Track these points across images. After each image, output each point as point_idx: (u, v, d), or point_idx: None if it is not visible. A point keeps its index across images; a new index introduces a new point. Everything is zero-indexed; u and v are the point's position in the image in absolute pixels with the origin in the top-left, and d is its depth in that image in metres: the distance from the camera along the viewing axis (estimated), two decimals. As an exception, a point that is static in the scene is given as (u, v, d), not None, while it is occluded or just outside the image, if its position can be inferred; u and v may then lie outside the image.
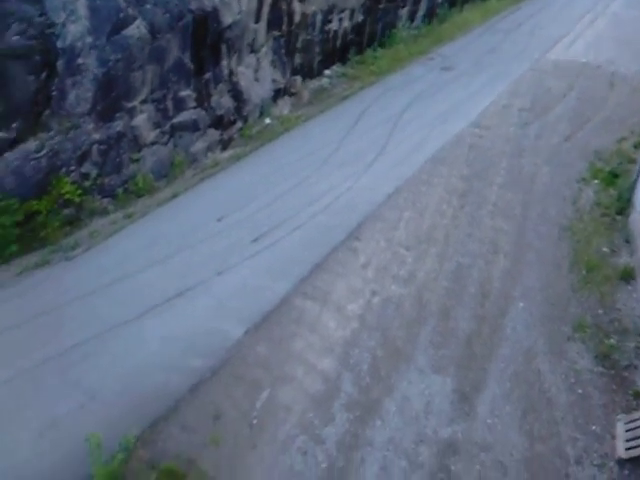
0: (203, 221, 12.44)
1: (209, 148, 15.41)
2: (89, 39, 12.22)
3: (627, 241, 12.09)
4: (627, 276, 11.04)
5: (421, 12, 27.92)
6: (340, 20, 21.32)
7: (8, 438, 7.77)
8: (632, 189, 13.35)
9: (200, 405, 8.47)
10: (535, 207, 13.29)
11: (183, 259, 11.26)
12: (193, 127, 14.93)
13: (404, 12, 26.22)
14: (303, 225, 12.33)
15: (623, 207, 13.17)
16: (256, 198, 13.25)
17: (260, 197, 13.30)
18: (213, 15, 14.82)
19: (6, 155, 11.51)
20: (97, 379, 8.67)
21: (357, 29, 22.59)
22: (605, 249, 11.88)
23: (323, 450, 7.82)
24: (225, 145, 15.88)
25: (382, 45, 24.02)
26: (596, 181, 14.48)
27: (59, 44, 11.75)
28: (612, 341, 9.60)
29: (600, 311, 10.27)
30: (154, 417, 8.18)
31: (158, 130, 14.08)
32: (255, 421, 8.23)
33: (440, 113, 17.93)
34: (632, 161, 15.05)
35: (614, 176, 14.62)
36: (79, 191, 12.30)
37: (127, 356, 9.09)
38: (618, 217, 12.96)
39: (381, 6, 23.82)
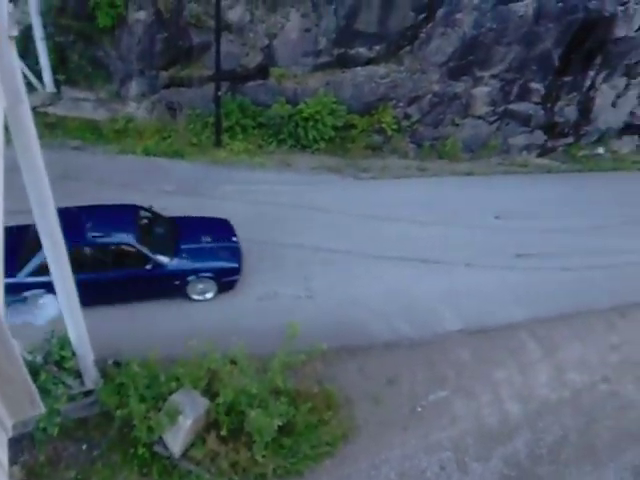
0: (479, 212, 12.04)
1: (527, 147, 14.76)
2: (476, 0, 12.40)
3: None
4: None
5: None
6: None
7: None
8: None
9: (386, 362, 8.73)
10: None
11: (460, 234, 11.19)
12: (524, 121, 14.39)
13: None
14: (575, 269, 11.08)
15: None
16: (555, 217, 12.12)
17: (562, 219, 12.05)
18: (607, 22, 13.65)
19: (357, 69, 12.75)
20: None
21: None
22: None
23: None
24: (544, 152, 14.98)
25: None
26: None
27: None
28: None
29: None
30: (341, 345, 8.68)
31: (491, 108, 13.94)
32: (419, 409, 8.21)
33: None
34: None
35: None
36: (395, 126, 13.11)
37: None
38: None
39: None
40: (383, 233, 10.73)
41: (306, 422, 7.54)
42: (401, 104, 13.10)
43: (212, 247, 9.48)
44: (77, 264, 6.68)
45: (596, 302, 10.47)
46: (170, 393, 7.35)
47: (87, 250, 8.72)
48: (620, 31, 14.07)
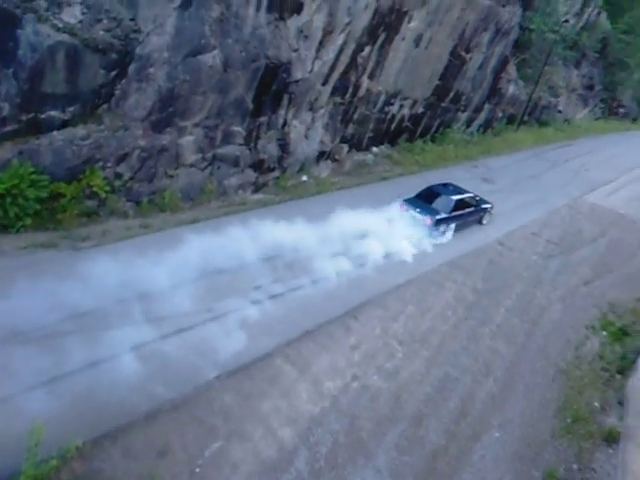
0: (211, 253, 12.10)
1: (242, 186, 15.66)
2: (166, 54, 12.75)
3: (620, 403, 11.78)
4: (611, 439, 10.67)
5: (479, 121, 28.79)
6: (401, 106, 22.03)
7: None
8: (638, 352, 13.16)
9: (150, 435, 8.18)
10: (537, 341, 13.11)
11: (182, 289, 10.71)
12: (234, 162, 15.25)
13: (463, 116, 27.06)
14: (306, 288, 12.27)
15: (625, 367, 12.91)
16: (266, 248, 12.82)
17: (271, 249, 12.89)
18: (285, 67, 15.43)
19: (54, 133, 11.82)
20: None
21: (414, 119, 23.30)
22: (596, 404, 11.56)
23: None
24: (258, 188, 16.14)
25: (433, 140, 24.70)
26: (604, 333, 14.28)
27: (138, 50, 12.28)
28: (580, 502, 9.22)
29: (575, 466, 9.89)
30: (101, 432, 7.90)
31: (200, 155, 14.40)
32: (198, 470, 7.91)
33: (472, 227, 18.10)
34: (649, 324, 14.90)
35: (624, 333, 14.42)
36: (107, 188, 12.51)
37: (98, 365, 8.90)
38: (618, 376, 12.68)
39: (443, 105, 24.64)
40: (113, 297, 10.01)
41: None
42: (109, 164, 12.61)
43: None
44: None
45: (331, 312, 11.64)
46: None
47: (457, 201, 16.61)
48: (298, 74, 16.06)
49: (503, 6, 25.07)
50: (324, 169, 18.49)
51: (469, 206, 17.17)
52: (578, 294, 15.96)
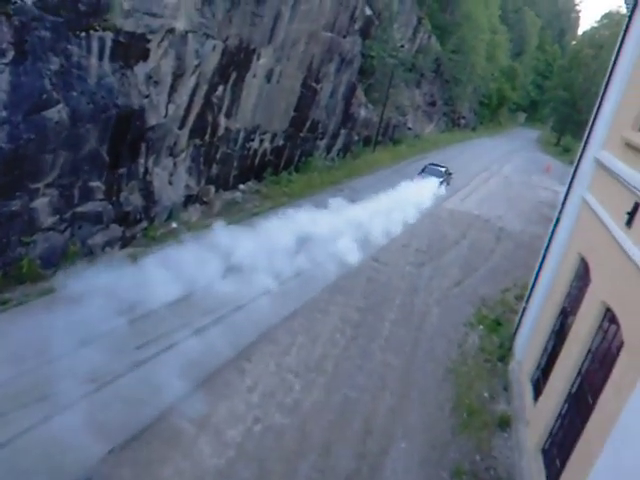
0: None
1: (108, 243, 14.86)
2: (4, 113, 11.85)
3: (505, 389, 12.70)
4: (504, 424, 11.46)
5: (337, 146, 30.09)
6: (262, 141, 22.41)
7: None
8: (512, 339, 14.31)
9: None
10: (423, 346, 13.78)
11: (47, 366, 9.70)
12: (96, 219, 14.44)
13: (322, 144, 28.14)
14: (191, 338, 11.76)
15: (504, 355, 13.99)
16: (141, 304, 12.03)
17: (146, 303, 12.09)
18: (138, 114, 15.03)
19: None
20: None
21: (276, 151, 23.79)
22: (485, 394, 12.36)
23: None
24: (126, 242, 15.40)
25: (298, 170, 25.34)
26: (481, 327, 15.40)
27: (-31, 113, 11.30)
28: (486, 491, 9.71)
29: (477, 457, 10.44)
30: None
31: (57, 217, 13.45)
32: None
33: (343, 243, 18.56)
34: (514, 311, 16.24)
35: (497, 324, 15.66)
36: (-48, 265, 11.23)
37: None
38: (499, 364, 13.69)
39: (302, 135, 25.45)
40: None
41: None
42: (-49, 240, 11.37)
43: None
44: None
45: (223, 358, 11.32)
46: None
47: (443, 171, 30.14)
48: (152, 120, 15.68)
49: (344, 37, 26.63)
50: (194, 213, 18.16)
51: (447, 173, 30.30)
52: (452, 295, 17.10)
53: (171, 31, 15.42)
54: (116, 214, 15.00)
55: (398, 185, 25.55)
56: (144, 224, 16.05)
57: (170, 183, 17.29)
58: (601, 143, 11.63)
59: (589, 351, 9.18)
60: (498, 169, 39.54)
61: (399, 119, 40.12)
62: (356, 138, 32.54)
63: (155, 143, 16.18)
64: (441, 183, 28.82)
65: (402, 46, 37.01)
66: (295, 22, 21.48)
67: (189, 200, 18.33)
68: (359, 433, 10.31)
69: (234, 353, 11.65)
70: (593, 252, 10.38)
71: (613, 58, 12.03)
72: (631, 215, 8.70)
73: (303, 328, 13.35)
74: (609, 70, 12.12)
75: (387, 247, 19.58)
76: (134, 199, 15.69)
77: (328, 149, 29.05)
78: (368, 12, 30.11)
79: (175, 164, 17.49)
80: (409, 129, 42.63)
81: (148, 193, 16.14)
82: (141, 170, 15.91)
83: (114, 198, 14.94)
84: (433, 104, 50.14)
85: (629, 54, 11.14)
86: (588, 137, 12.36)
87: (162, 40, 15.27)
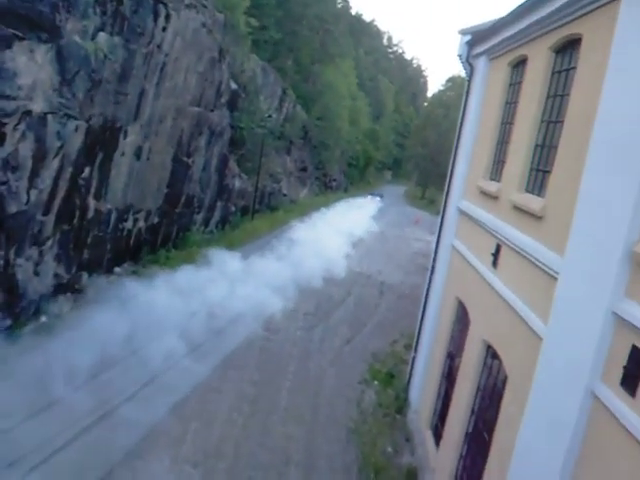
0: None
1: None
2: None
3: (407, 440, 12.78)
4: (411, 476, 11.46)
5: (215, 219, 29.92)
6: (136, 220, 21.63)
7: None
8: (407, 389, 14.59)
9: None
10: (323, 410, 13.57)
11: None
12: (-53, 323, 12.84)
13: (199, 217, 27.81)
14: (70, 444, 10.43)
15: (401, 406, 14.18)
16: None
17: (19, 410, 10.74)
18: (-5, 202, 13.90)
19: None
20: None
21: (152, 229, 23.05)
22: (389, 449, 12.34)
23: None
24: (-15, 344, 13.74)
25: (176, 246, 24.66)
26: (376, 382, 15.55)
27: None
28: None
29: (388, 520, 10.25)
30: None
31: None
32: None
33: (234, 314, 18.10)
34: (404, 362, 16.65)
35: (391, 377, 15.92)
36: None
37: None
38: (398, 416, 13.82)
39: (177, 210, 25.00)
40: None
41: None
42: None
43: None
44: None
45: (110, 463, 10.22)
46: None
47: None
48: (12, 207, 14.53)
49: (212, 111, 27.05)
50: (65, 303, 16.78)
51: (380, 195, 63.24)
52: (344, 354, 17.21)
53: (28, 113, 14.67)
54: (-28, 314, 13.46)
55: (278, 250, 25.80)
56: (8, 322, 14.50)
57: (36, 274, 15.93)
58: (460, 193, 12.67)
59: (478, 389, 9.58)
60: (370, 226, 41.23)
61: (273, 186, 41.03)
62: (233, 209, 32.62)
63: (16, 232, 14.94)
64: (380, 198, 61.71)
65: (269, 116, 38.41)
66: (161, 98, 21.49)
67: (59, 289, 16.97)
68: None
69: (122, 455, 10.49)
70: (468, 294, 11.05)
71: (460, 117, 13.39)
72: (495, 256, 9.46)
73: (196, 412, 12.47)
74: (458, 128, 13.45)
75: (275, 314, 19.30)
76: (-7, 295, 14.21)
77: (206, 222, 28.75)
78: (234, 86, 31.04)
79: (41, 252, 16.21)
80: (284, 195, 43.69)
81: (11, 287, 14.72)
82: (1, 263, 14.54)
83: (-31, 296, 13.44)
84: (304, 169, 52.07)
85: (472, 113, 12.45)
86: (448, 189, 13.44)
87: (18, 123, 14.45)
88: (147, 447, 10.87)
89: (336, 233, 33.80)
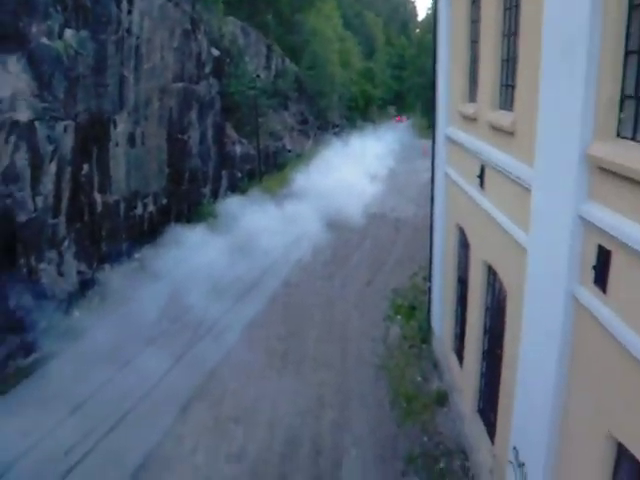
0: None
1: (10, 356, 14.04)
2: None
3: (435, 366, 13.30)
4: (442, 399, 12.00)
5: (223, 187, 30.21)
6: (145, 205, 22.10)
7: None
8: (428, 318, 15.01)
9: None
10: (351, 353, 14.14)
11: None
12: (-15, 335, 13.64)
13: (207, 190, 28.15)
14: (127, 415, 11.47)
15: (425, 336, 14.64)
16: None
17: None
18: (5, 215, 14.45)
19: None
20: None
21: (163, 211, 23.53)
22: (419, 378, 12.88)
23: None
24: (29, 350, 14.57)
25: (190, 221, 25.11)
26: (399, 316, 16.02)
27: None
28: (441, 465, 10.12)
29: (425, 439, 10.86)
30: None
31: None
32: None
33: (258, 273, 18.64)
34: (424, 293, 16.90)
35: (412, 309, 16.36)
36: None
37: None
38: (424, 345, 14.31)
39: (184, 187, 25.38)
40: None
41: None
42: None
43: None
44: None
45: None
46: None
47: None
48: (22, 216, 15.09)
49: (196, 83, 26.93)
50: (93, 297, 17.55)
51: None
52: (366, 295, 17.67)
53: (15, 124, 14.99)
54: (8, 325, 14.21)
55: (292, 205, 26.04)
56: (43, 324, 15.29)
57: (60, 274, 16.65)
58: (446, 120, 12.64)
59: (487, 308, 9.91)
60: (380, 163, 40.86)
61: (276, 144, 40.89)
62: (239, 175, 32.82)
63: (32, 239, 15.57)
64: None
65: (258, 76, 37.88)
66: (142, 81, 21.52)
67: (86, 285, 17.72)
68: (310, 456, 10.44)
69: (171, 419, 11.43)
70: (465, 219, 11.24)
71: (432, 41, 13.15)
72: (481, 178, 9.58)
73: (232, 373, 13.24)
74: (432, 50, 13.21)
75: (293, 269, 19.80)
76: (26, 301, 14.94)
77: (214, 193, 29.09)
78: (216, 53, 30.62)
79: (60, 253, 16.87)
80: (289, 151, 43.53)
81: (38, 292, 15.44)
82: (24, 270, 15.23)
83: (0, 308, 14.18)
84: (305, 122, 51.53)
85: (443, 35, 12.25)
86: (434, 118, 13.40)
87: (9, 135, 14.82)
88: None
89: (341, 180, 33.60)
